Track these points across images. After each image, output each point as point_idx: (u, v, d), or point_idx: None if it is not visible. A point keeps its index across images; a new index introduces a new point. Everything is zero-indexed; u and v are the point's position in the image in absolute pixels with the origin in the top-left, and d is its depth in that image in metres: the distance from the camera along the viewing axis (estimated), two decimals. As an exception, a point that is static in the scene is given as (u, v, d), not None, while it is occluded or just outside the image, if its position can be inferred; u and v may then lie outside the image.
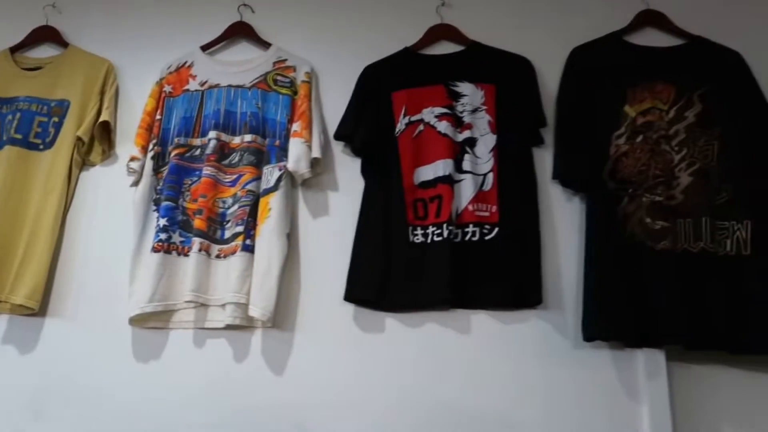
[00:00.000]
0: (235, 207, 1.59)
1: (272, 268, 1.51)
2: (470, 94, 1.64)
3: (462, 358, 1.48)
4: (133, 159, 1.65)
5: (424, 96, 1.65)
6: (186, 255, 1.55)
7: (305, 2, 1.87)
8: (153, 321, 1.55)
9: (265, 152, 1.63)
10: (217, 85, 1.72)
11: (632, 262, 1.45)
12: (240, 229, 1.56)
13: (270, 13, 1.87)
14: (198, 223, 1.56)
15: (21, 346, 1.59)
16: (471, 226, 1.53)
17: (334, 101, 1.72)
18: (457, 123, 1.62)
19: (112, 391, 1.52)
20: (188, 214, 1.59)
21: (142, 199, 1.63)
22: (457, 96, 1.65)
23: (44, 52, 1.90)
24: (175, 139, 1.66)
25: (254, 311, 1.47)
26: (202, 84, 1.73)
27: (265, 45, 1.80)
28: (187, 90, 1.73)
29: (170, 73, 1.77)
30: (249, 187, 1.59)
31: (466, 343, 1.50)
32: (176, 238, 1.57)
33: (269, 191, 1.58)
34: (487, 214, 1.54)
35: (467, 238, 1.53)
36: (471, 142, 1.60)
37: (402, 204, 1.56)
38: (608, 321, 1.42)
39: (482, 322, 1.51)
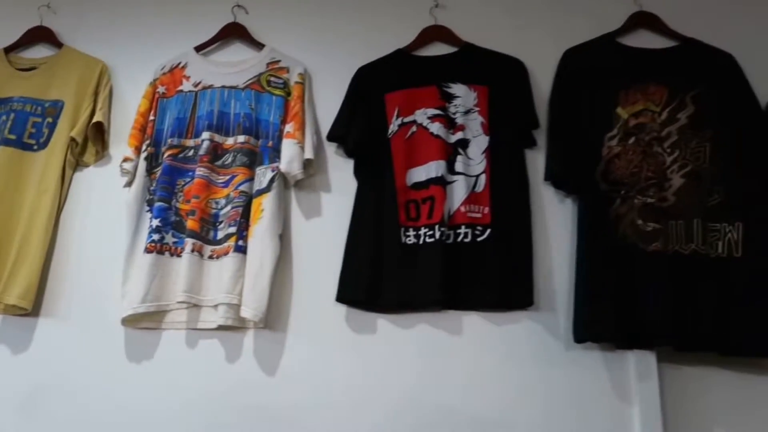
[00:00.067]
0: (228, 208, 1.59)
1: (264, 268, 1.51)
2: (463, 95, 1.65)
3: (454, 360, 1.49)
4: (126, 160, 1.65)
5: (417, 97, 1.65)
6: (179, 256, 1.56)
7: (299, 3, 1.87)
8: (145, 321, 1.55)
9: (258, 153, 1.63)
10: (210, 86, 1.72)
11: (624, 263, 1.46)
12: (233, 230, 1.56)
13: (263, 14, 1.87)
14: (191, 223, 1.56)
15: (14, 346, 1.60)
16: (463, 227, 1.53)
17: (328, 102, 1.72)
18: (450, 124, 1.62)
19: (104, 392, 1.53)
20: (181, 215, 1.60)
21: (136, 199, 1.63)
22: (450, 97, 1.65)
23: (39, 52, 1.90)
24: (169, 140, 1.66)
25: (246, 312, 1.47)
26: (196, 85, 1.73)
27: (259, 46, 1.80)
28: (181, 91, 1.73)
29: (164, 73, 1.77)
30: (242, 188, 1.59)
31: (458, 344, 1.50)
32: (169, 238, 1.57)
33: (262, 192, 1.58)
34: (479, 215, 1.54)
35: (459, 239, 1.53)
36: (464, 144, 1.60)
37: (394, 205, 1.56)
38: (599, 322, 1.42)
39: (474, 323, 1.51)
